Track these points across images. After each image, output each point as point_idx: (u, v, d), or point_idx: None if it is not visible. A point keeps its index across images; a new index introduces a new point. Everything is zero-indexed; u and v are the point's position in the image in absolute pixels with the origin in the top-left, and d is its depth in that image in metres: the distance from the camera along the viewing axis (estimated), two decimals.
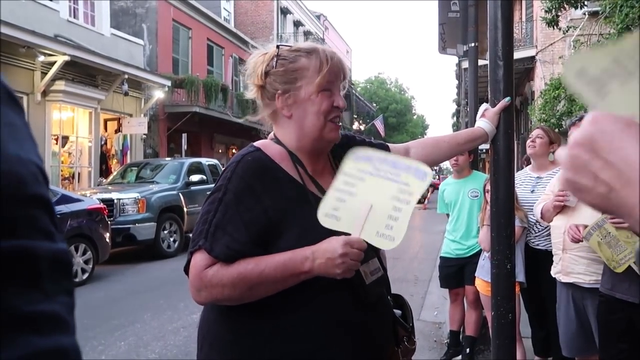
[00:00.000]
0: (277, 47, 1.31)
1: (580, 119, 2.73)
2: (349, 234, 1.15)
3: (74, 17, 12.57)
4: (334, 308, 1.20)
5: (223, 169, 1.29)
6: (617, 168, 0.48)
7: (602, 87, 0.52)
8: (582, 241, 2.36)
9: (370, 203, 1.17)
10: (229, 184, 1.21)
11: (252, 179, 1.21)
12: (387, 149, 1.51)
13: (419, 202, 23.98)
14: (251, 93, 1.35)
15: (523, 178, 3.31)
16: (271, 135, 1.36)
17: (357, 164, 1.22)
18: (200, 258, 1.17)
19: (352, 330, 1.22)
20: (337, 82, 1.29)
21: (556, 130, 4.38)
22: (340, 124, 1.35)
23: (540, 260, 2.85)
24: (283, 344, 1.18)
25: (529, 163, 3.52)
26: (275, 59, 1.28)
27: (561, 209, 2.65)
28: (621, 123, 0.49)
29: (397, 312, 1.41)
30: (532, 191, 3.14)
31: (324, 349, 1.19)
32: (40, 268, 0.40)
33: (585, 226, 2.33)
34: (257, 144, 1.32)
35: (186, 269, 1.21)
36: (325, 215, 1.17)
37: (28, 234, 0.40)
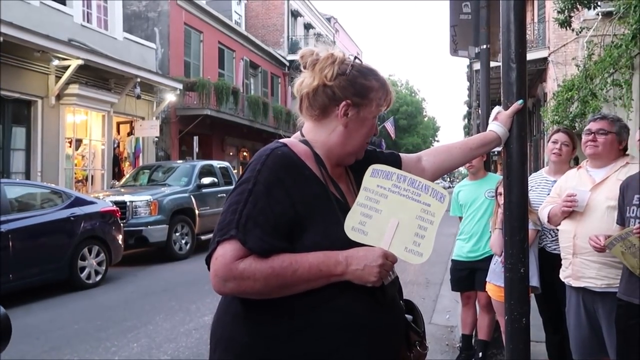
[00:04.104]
0: (355, 57, 1.35)
1: (603, 117, 2.68)
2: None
3: (88, 22, 12.72)
4: (351, 309, 1.21)
5: (249, 161, 1.27)
6: None
7: None
8: (605, 250, 2.32)
9: (397, 220, 1.25)
10: (258, 176, 1.19)
11: (282, 172, 1.21)
12: (397, 158, 1.51)
13: None
14: (302, 85, 1.32)
15: (539, 181, 3.24)
16: (296, 135, 1.38)
17: (375, 180, 1.30)
18: (231, 248, 1.14)
19: (369, 331, 1.23)
20: None
21: None
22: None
23: (556, 264, 2.81)
24: (300, 345, 1.18)
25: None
26: (350, 68, 1.30)
27: (569, 213, 2.61)
28: None
29: (409, 317, 1.41)
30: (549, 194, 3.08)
31: (341, 350, 1.19)
32: None
33: (608, 236, 2.30)
34: (283, 140, 1.32)
35: (208, 259, 1.17)
36: (352, 228, 1.23)
37: None
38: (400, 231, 1.24)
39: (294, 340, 1.19)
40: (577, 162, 2.96)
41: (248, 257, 1.14)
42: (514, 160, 1.68)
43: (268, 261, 1.14)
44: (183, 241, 9.26)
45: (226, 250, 1.14)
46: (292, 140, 1.34)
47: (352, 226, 1.23)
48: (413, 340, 1.36)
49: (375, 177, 1.30)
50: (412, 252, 1.22)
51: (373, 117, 1.34)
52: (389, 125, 31.25)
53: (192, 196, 9.60)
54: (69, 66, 10.72)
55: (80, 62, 10.70)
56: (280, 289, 1.16)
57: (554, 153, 3.13)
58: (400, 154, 1.55)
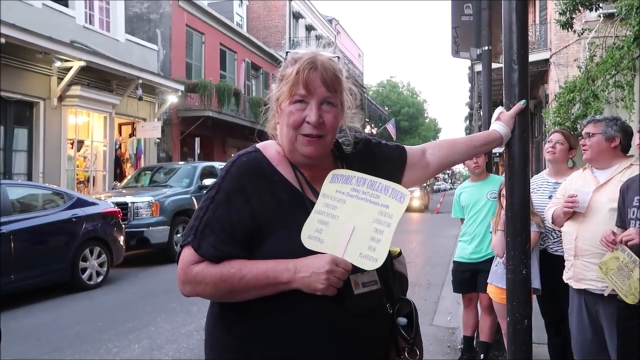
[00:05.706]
0: (286, 53, 1.32)
1: (589, 121, 2.68)
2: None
3: (90, 23, 12.75)
4: (318, 315, 1.19)
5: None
6: None
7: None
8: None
9: (353, 225, 1.21)
10: (222, 183, 1.24)
11: (244, 180, 1.23)
12: (403, 151, 1.50)
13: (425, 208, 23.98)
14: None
15: (540, 183, 3.25)
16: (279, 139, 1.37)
17: (335, 185, 1.26)
18: (187, 253, 1.20)
19: (337, 338, 1.20)
20: (315, 94, 1.23)
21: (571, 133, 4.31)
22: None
23: (559, 266, 2.81)
24: (271, 348, 1.20)
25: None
26: (282, 67, 1.30)
27: (571, 214, 2.61)
28: None
29: (403, 320, 1.37)
30: (550, 197, 3.07)
31: (308, 355, 1.19)
32: None
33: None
34: (258, 145, 1.34)
35: (176, 261, 1.23)
36: (309, 237, 1.20)
37: None
38: (356, 236, 1.20)
39: (265, 342, 1.20)
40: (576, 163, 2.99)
41: (202, 262, 1.19)
42: (516, 161, 1.67)
43: (218, 267, 1.17)
44: None
45: (185, 255, 1.20)
46: (269, 143, 1.34)
47: (309, 234, 1.20)
48: (401, 347, 1.33)
49: (335, 183, 1.26)
50: (366, 257, 1.17)
51: (295, 103, 1.23)
52: (390, 127, 31.28)
53: (193, 197, 9.61)
54: (71, 68, 10.75)
55: (82, 63, 10.73)
56: (231, 294, 1.19)
57: (548, 152, 3.19)
58: (405, 147, 1.53)
